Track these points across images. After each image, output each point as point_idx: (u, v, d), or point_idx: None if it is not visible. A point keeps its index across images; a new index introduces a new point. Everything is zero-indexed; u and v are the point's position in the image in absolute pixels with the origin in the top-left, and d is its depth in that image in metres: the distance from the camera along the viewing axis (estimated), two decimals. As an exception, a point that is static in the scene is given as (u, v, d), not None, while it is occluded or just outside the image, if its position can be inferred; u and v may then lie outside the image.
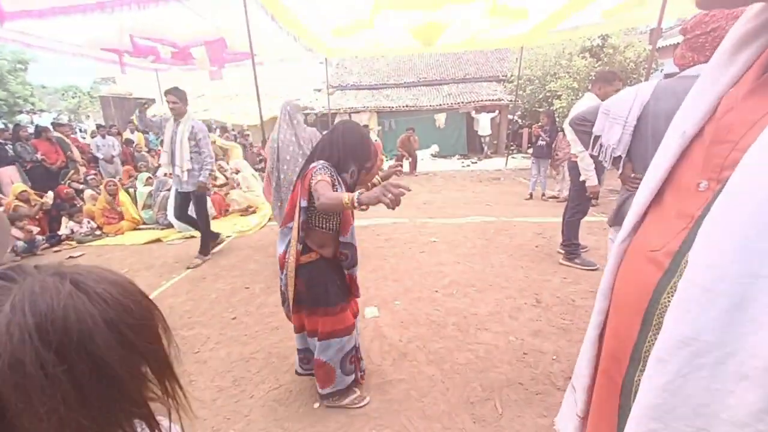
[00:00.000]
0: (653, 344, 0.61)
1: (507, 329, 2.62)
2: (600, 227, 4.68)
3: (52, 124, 9.19)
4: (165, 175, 5.98)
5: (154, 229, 5.60)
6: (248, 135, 11.35)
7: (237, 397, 2.10)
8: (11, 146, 6.72)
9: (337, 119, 12.89)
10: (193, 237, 5.20)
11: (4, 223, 1.38)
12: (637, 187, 1.66)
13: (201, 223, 4.21)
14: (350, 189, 1.91)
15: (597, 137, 1.78)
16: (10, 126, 8.65)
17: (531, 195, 6.55)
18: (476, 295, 3.13)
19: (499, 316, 2.79)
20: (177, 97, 3.73)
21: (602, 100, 2.23)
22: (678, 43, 1.56)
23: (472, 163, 11.51)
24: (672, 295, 0.60)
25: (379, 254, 4.14)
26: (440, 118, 12.74)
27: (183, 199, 4.14)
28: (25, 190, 5.27)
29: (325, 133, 1.86)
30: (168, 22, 5.95)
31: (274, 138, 3.29)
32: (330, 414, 1.94)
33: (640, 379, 0.64)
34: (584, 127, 1.86)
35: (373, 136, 9.33)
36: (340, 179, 1.77)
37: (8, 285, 0.35)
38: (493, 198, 6.72)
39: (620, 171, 1.80)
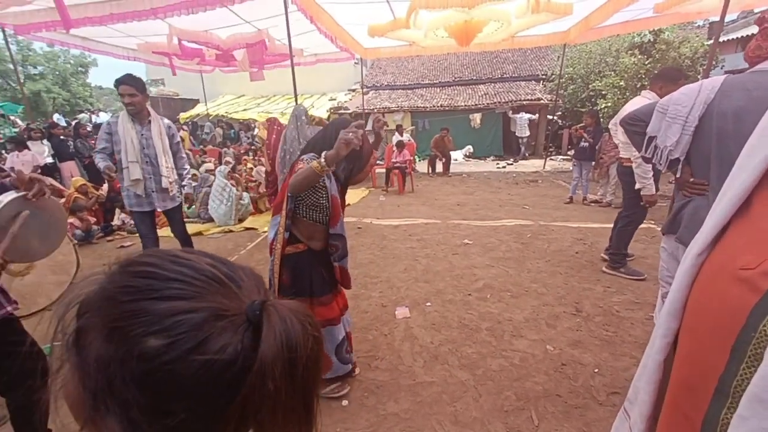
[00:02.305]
0: (748, 379, 0.53)
1: (544, 337, 2.51)
2: (648, 235, 4.39)
3: (108, 122, 9.88)
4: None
5: (195, 222, 5.87)
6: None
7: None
8: (72, 142, 7.30)
9: (371, 119, 12.96)
10: (231, 231, 5.41)
11: (63, 214, 1.52)
12: (696, 193, 1.54)
13: (189, 242, 3.43)
14: (343, 184, 1.97)
15: (651, 138, 1.65)
16: (72, 124, 9.40)
17: (571, 198, 6.26)
18: (511, 300, 3.03)
19: (536, 324, 2.68)
20: (135, 88, 2.74)
21: None
22: (741, 37, 1.42)
23: (508, 164, 11.18)
24: None
25: (411, 255, 4.11)
26: (476, 118, 12.48)
27: (171, 219, 3.23)
28: (84, 184, 5.70)
29: (320, 129, 1.90)
30: (213, 26, 6.23)
31: (284, 134, 4.04)
32: (360, 412, 1.94)
33: (729, 419, 0.56)
34: (637, 127, 1.73)
35: (407, 136, 9.32)
36: (330, 174, 1.79)
37: (235, 291, 0.39)
38: (530, 201, 6.49)
39: (678, 175, 1.67)
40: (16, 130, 10.10)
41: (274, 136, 5.56)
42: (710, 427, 0.61)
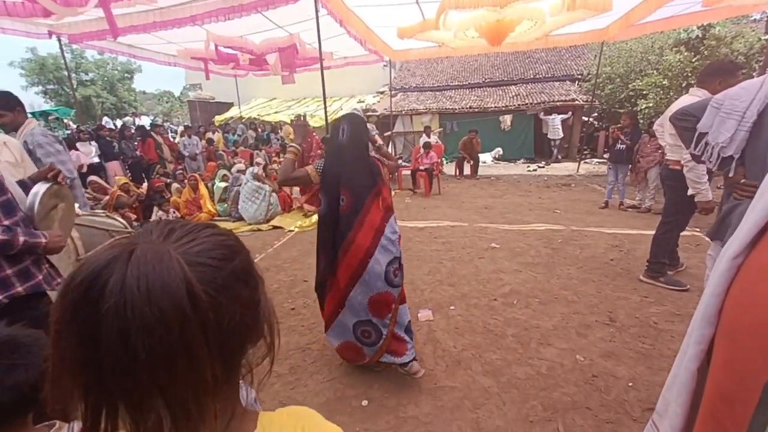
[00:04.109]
0: None
1: (574, 347, 2.40)
2: (693, 243, 4.11)
3: (151, 125, 10.50)
4: (238, 171, 6.47)
5: (227, 221, 6.09)
6: (314, 135, 11.88)
7: (293, 384, 2.18)
8: (116, 144, 7.78)
9: (398, 121, 12.97)
10: (260, 230, 5.56)
11: (71, 199, 1.77)
12: (746, 196, 1.42)
13: None
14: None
15: (702, 134, 1.54)
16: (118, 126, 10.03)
17: (607, 203, 5.97)
18: (539, 307, 2.92)
19: (565, 332, 2.56)
20: (2, 107, 2.49)
21: None
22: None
23: (539, 167, 10.83)
24: None
25: (436, 257, 4.06)
26: (506, 120, 12.19)
27: None
28: (127, 182, 6.05)
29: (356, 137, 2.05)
30: (247, 31, 6.46)
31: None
32: (380, 413, 1.93)
33: None
34: (687, 123, 1.62)
35: (434, 138, 9.24)
36: None
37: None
38: (561, 205, 6.25)
39: (730, 175, 1.54)
40: (68, 132, 10.89)
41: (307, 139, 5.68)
42: None
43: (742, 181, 1.46)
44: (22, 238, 1.40)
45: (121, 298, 0.32)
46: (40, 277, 1.50)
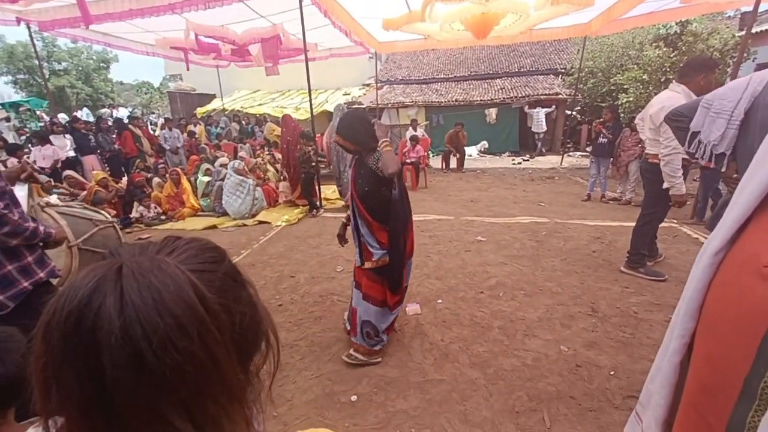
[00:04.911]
0: None
1: (558, 338, 2.46)
2: (670, 234, 4.24)
3: (128, 117, 10.15)
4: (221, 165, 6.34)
5: (210, 216, 5.97)
6: (300, 128, 11.70)
7: (281, 381, 2.16)
8: (93, 137, 7.48)
9: (385, 114, 12.90)
10: (245, 225, 5.48)
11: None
12: None
13: None
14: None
15: (695, 133, 1.59)
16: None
17: (589, 196, 6.10)
18: (524, 299, 2.97)
19: (550, 323, 2.62)
20: None
21: (703, 92, 1.96)
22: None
23: (524, 160, 10.97)
24: None
25: (422, 251, 4.07)
26: (491, 114, 12.26)
27: None
28: (105, 177, 5.85)
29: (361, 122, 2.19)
30: (229, 20, 6.28)
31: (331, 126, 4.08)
32: (369, 408, 1.94)
33: (756, 421, 0.53)
34: (680, 123, 1.67)
35: (421, 131, 9.23)
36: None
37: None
38: (546, 198, 6.35)
39: (723, 170, 1.60)
40: (41, 124, 10.44)
41: (284, 129, 5.61)
42: (737, 430, 0.57)
43: (734, 175, 1.52)
44: (42, 228, 1.58)
45: (125, 319, 0.29)
46: (52, 263, 1.68)
